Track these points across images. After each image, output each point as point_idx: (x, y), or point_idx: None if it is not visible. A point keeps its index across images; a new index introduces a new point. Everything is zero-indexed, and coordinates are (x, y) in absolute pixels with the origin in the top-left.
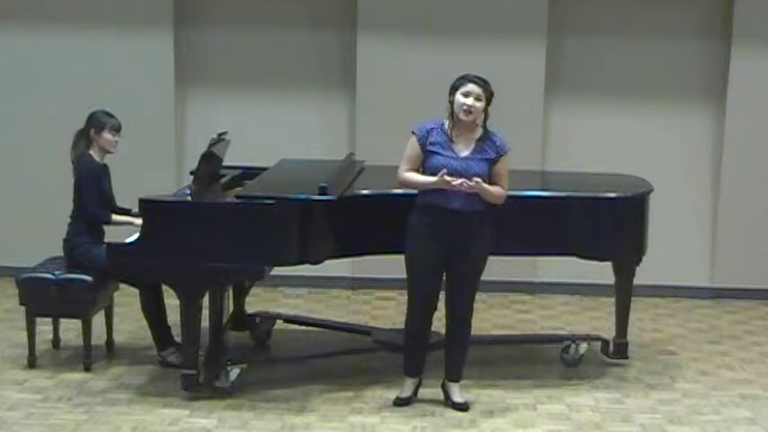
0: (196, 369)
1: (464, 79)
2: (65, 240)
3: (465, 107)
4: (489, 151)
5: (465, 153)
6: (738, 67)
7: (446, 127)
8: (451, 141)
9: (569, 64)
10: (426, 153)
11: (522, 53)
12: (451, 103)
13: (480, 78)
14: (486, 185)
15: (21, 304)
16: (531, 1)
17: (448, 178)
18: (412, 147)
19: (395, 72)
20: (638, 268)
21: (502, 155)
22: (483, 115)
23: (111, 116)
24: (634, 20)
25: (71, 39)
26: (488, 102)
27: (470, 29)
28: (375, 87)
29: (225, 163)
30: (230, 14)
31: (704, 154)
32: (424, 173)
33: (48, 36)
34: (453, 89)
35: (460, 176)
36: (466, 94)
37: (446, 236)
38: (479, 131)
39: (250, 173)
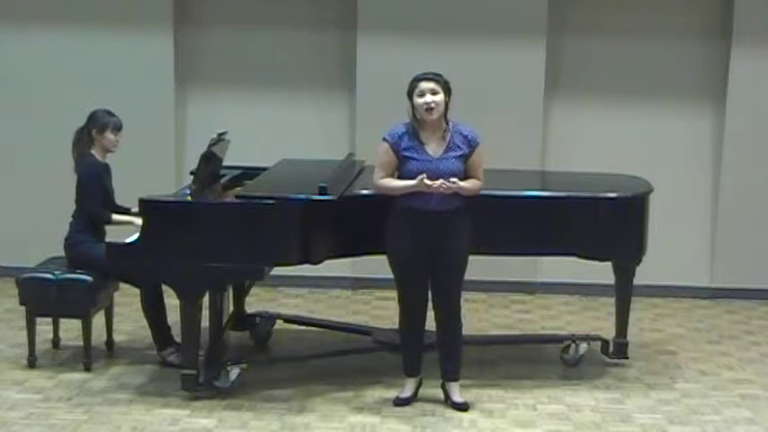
0: (196, 369)
1: (415, 80)
2: (66, 239)
3: (425, 106)
4: (462, 146)
5: (438, 153)
6: (738, 67)
7: (414, 130)
8: (422, 143)
9: (569, 64)
10: (401, 159)
11: (522, 53)
12: (412, 107)
13: (431, 73)
14: (462, 183)
15: (21, 304)
16: (531, 1)
17: (427, 182)
18: (386, 153)
19: (395, 72)
20: (638, 268)
21: (475, 147)
22: (445, 109)
23: (113, 115)
24: (634, 20)
25: (71, 38)
26: (447, 93)
27: (470, 29)
28: (375, 87)
29: (225, 163)
30: (230, 14)
31: (704, 154)
32: (400, 178)
33: (48, 36)
34: (409, 95)
35: (437, 176)
36: (421, 94)
37: (426, 236)
38: (445, 127)
39: (250, 173)
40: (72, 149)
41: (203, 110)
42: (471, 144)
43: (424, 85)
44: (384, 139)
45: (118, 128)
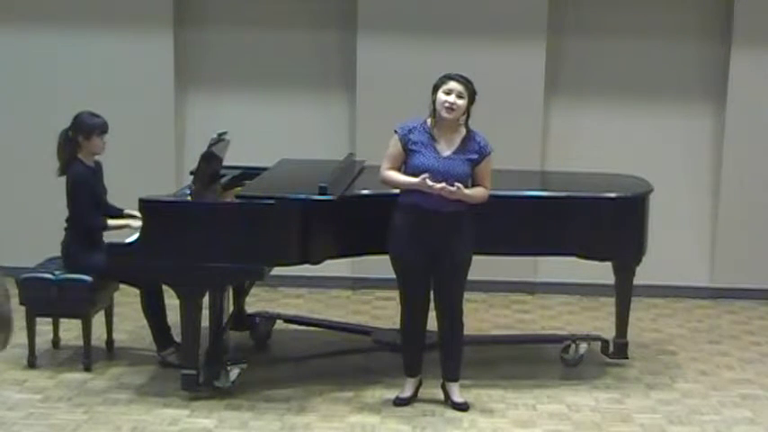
0: (196, 369)
1: (446, 77)
2: (62, 245)
3: (447, 104)
4: (472, 152)
5: (447, 152)
6: (738, 67)
7: (428, 126)
8: (434, 140)
9: (569, 64)
10: (408, 152)
11: (522, 53)
12: (434, 101)
13: (462, 77)
14: (466, 191)
15: (21, 304)
16: (531, 1)
17: (430, 182)
18: (394, 145)
19: (395, 72)
20: (638, 268)
21: (485, 155)
22: (465, 115)
23: (97, 116)
24: (634, 20)
25: (71, 39)
26: (471, 100)
27: (470, 29)
28: (375, 87)
29: (225, 163)
30: (230, 14)
31: (704, 154)
32: (405, 172)
33: (47, 36)
34: (435, 88)
35: (442, 176)
36: (448, 92)
37: (428, 235)
38: (462, 131)
39: (250, 173)
40: (57, 153)
41: (203, 110)
42: (482, 151)
43: (454, 85)
44: (395, 131)
45: (104, 131)
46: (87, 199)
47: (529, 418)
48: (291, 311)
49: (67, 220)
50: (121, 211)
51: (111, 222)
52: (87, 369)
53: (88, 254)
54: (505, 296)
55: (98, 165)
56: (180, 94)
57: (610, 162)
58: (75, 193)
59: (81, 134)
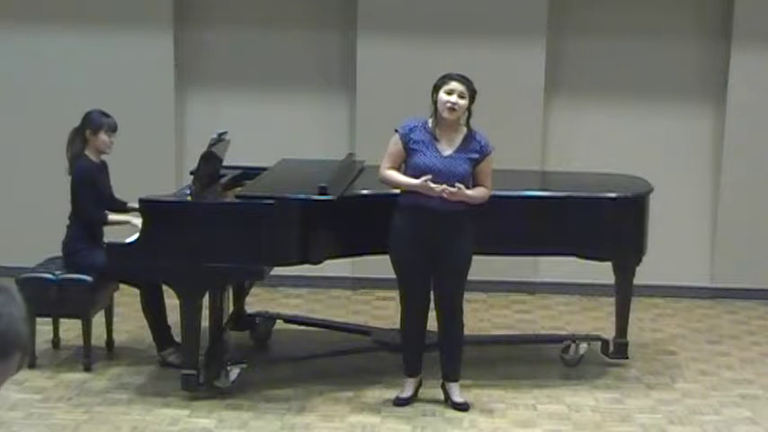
0: (196, 369)
1: (447, 77)
2: (63, 243)
3: (449, 105)
4: (473, 151)
5: (448, 152)
6: (738, 67)
7: (429, 125)
8: (435, 140)
9: (569, 64)
10: (409, 151)
11: (522, 53)
12: (435, 101)
13: (463, 76)
14: (468, 191)
15: None
16: (531, 1)
17: (431, 185)
18: (394, 144)
19: (395, 72)
20: (638, 268)
21: (486, 155)
22: (466, 114)
23: (108, 116)
24: (634, 20)
25: (71, 38)
26: (471, 100)
27: (470, 29)
28: (375, 87)
29: (225, 163)
30: (230, 14)
31: (704, 154)
32: (406, 171)
33: (47, 36)
34: (436, 88)
35: (443, 175)
36: (449, 92)
37: (428, 236)
38: (463, 130)
39: (250, 173)
40: (66, 149)
41: (203, 110)
42: (483, 151)
43: (455, 85)
44: (396, 130)
45: (112, 129)
46: (90, 192)
47: (529, 418)
48: (291, 311)
49: (70, 217)
50: (125, 204)
51: (112, 217)
52: (87, 369)
53: (89, 252)
54: (505, 296)
55: (104, 164)
56: (180, 94)
57: (610, 162)
58: (79, 186)
59: (89, 129)
